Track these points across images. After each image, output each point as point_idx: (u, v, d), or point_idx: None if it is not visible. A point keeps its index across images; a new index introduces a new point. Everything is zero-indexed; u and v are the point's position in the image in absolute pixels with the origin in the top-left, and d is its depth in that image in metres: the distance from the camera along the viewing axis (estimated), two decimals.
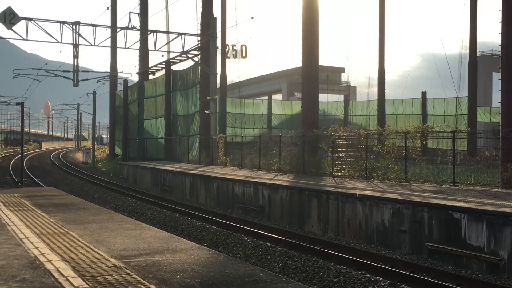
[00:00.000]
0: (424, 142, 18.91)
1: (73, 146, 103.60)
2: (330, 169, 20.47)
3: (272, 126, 58.54)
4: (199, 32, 33.51)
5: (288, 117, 60.16)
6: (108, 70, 50.04)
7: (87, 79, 38.70)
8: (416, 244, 12.00)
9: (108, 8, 49.32)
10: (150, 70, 42.35)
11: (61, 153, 77.22)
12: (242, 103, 60.22)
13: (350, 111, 59.91)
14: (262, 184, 18.12)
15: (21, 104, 24.49)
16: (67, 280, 5.34)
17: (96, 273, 5.63)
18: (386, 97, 50.08)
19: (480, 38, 41.13)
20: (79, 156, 65.66)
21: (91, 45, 30.21)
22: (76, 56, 30.23)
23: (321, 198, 15.08)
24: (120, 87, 50.02)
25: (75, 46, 29.71)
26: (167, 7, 50.68)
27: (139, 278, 5.46)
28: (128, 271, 5.75)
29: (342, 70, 74.52)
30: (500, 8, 19.14)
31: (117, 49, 46.55)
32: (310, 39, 26.09)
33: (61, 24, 28.85)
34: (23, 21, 27.45)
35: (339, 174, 20.11)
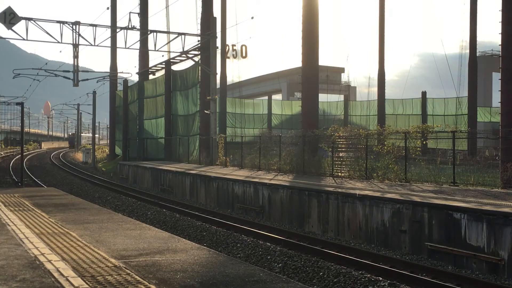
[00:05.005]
0: (424, 142, 18.91)
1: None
2: (330, 169, 20.46)
3: (272, 126, 58.52)
4: (199, 32, 33.50)
5: (288, 117, 60.15)
6: (108, 70, 50.06)
7: (87, 79, 38.69)
8: (416, 244, 12.00)
9: (108, 8, 49.35)
10: (150, 70, 42.36)
11: (61, 153, 77.22)
12: (242, 103, 60.20)
13: (350, 111, 59.90)
14: (262, 184, 18.12)
15: (21, 104, 24.48)
16: (67, 280, 5.35)
17: (96, 273, 5.63)
18: (385, 97, 50.09)
19: (480, 38, 41.15)
20: (79, 156, 65.68)
21: (91, 45, 30.23)
22: (76, 56, 30.23)
23: (321, 198, 15.08)
24: (120, 87, 50.02)
25: (75, 46, 29.71)
26: (167, 7, 50.73)
27: (139, 278, 5.46)
28: (128, 271, 5.75)
29: (342, 70, 74.51)
30: (500, 8, 19.14)
31: (117, 49, 46.57)
32: (310, 39, 26.09)
33: (61, 24, 28.86)
34: (23, 21, 27.47)
35: (339, 174, 20.11)
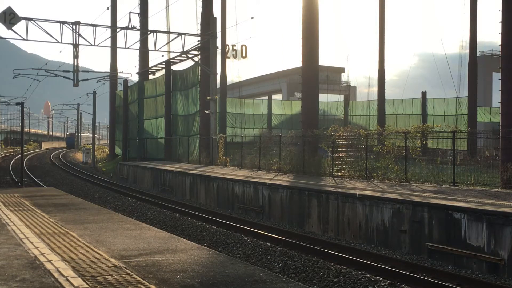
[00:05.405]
0: (424, 142, 18.91)
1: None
2: (330, 169, 20.46)
3: (272, 126, 58.53)
4: (199, 32, 33.50)
5: (288, 117, 60.14)
6: (108, 70, 50.06)
7: (87, 79, 38.68)
8: (416, 244, 12.00)
9: (108, 8, 49.34)
10: (150, 70, 42.36)
11: (61, 153, 77.21)
12: (242, 103, 60.20)
13: (350, 111, 59.90)
14: (262, 184, 18.12)
15: (21, 104, 24.48)
16: (67, 280, 5.34)
17: (96, 273, 5.63)
18: (385, 97, 50.09)
19: (480, 38, 41.14)
20: (79, 156, 65.67)
21: (91, 45, 30.21)
22: (76, 56, 30.21)
23: (321, 198, 15.08)
24: (120, 87, 50.03)
25: (75, 46, 29.69)
26: (167, 7, 50.72)
27: (139, 278, 5.46)
28: (128, 271, 5.75)
29: (342, 70, 74.45)
30: (500, 8, 19.15)
31: (117, 49, 46.59)
32: (310, 39, 26.09)
33: (61, 24, 28.85)
34: (23, 21, 27.46)
35: (339, 174, 20.11)
